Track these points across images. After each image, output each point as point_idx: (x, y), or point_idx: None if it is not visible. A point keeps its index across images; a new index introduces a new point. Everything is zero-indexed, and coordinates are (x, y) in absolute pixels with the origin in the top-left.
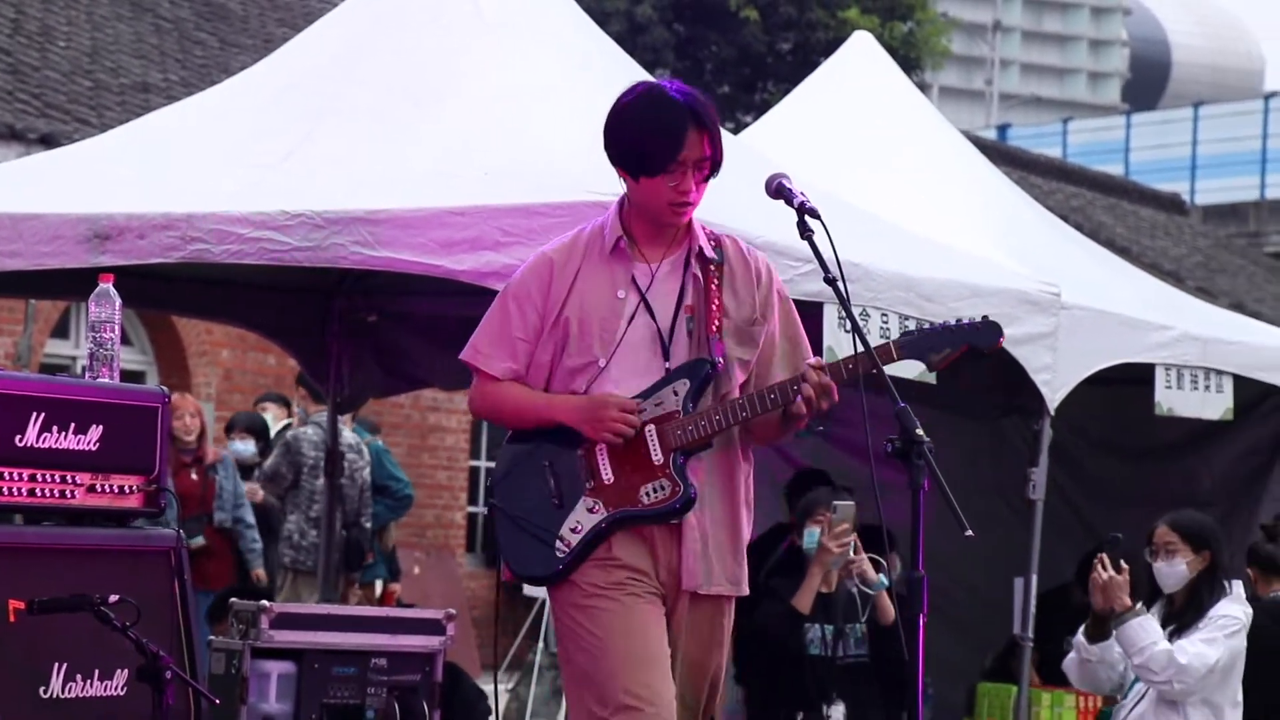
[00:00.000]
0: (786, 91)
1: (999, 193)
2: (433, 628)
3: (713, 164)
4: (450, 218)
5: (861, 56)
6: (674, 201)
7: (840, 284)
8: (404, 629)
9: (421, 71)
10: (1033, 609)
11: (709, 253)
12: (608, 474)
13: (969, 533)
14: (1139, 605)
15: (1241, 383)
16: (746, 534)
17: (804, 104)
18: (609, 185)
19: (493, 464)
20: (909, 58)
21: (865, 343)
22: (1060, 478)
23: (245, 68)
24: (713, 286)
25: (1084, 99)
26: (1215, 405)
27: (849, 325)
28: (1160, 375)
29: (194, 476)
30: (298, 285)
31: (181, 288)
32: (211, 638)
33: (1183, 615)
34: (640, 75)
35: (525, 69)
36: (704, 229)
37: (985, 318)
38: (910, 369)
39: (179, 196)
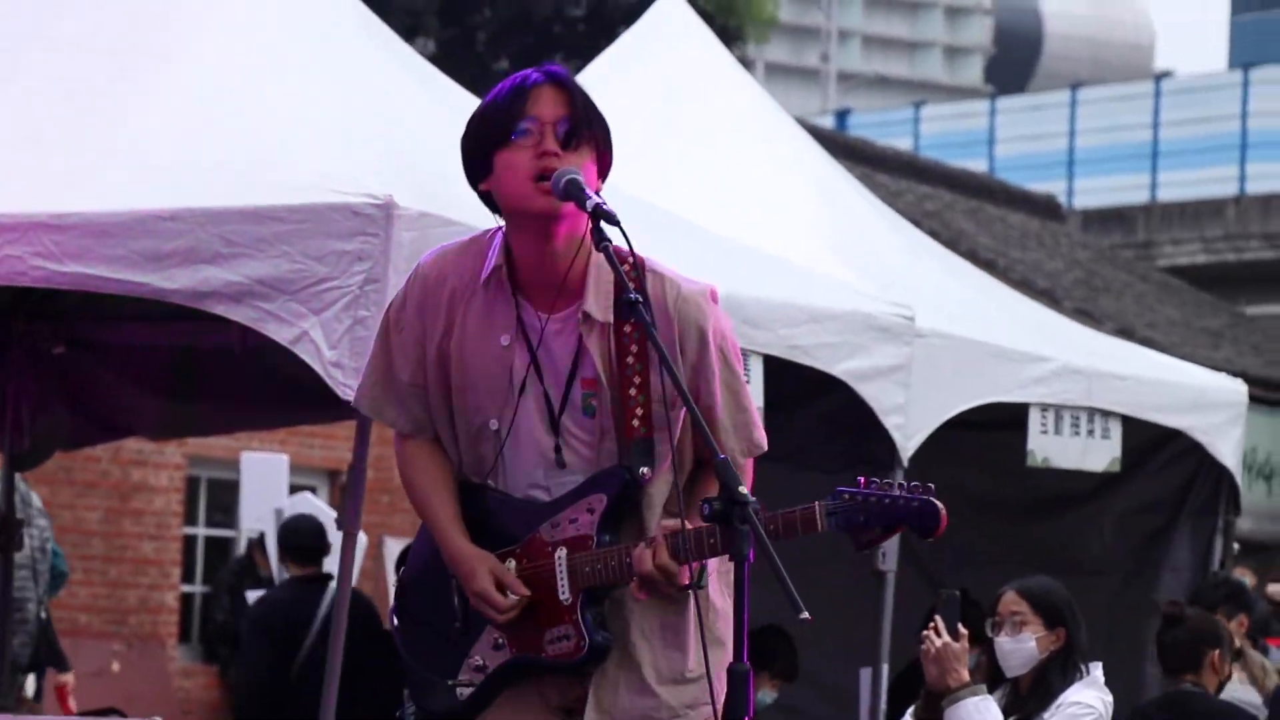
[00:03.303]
0: (580, 66)
1: (840, 192)
2: None
3: (574, 124)
4: (159, 223)
5: (672, 24)
6: (539, 172)
7: (643, 306)
8: None
9: (128, 34)
10: (884, 705)
11: (631, 295)
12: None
13: (804, 615)
14: (980, 684)
15: (1133, 426)
16: (691, 648)
17: (602, 82)
18: (358, 183)
19: (212, 532)
20: (728, 27)
21: (676, 380)
22: (915, 542)
23: None
24: (631, 351)
25: (940, 79)
26: (1100, 454)
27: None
28: (1035, 418)
29: None
30: None
31: None
32: None
33: (1027, 703)
34: (396, 44)
35: (256, 36)
36: (620, 259)
37: (927, 490)
38: None
39: None
